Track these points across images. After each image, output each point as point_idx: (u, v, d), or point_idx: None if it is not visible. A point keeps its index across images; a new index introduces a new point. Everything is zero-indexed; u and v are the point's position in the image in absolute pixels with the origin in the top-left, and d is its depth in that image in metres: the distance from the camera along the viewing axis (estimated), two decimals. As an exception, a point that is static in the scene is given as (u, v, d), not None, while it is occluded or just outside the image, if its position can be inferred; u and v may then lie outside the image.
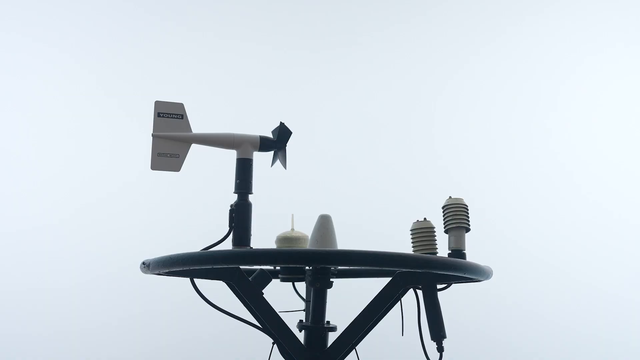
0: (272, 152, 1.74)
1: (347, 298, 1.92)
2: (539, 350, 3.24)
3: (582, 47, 3.56)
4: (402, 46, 3.56)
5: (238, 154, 1.66)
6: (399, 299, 1.62)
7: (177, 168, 1.64)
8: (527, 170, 3.43)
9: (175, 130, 1.64)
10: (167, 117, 1.65)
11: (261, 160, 1.75)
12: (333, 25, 3.58)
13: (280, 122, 1.72)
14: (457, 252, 1.64)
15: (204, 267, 1.49)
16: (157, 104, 1.65)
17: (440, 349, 1.56)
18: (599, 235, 3.36)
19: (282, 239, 1.78)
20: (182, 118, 1.66)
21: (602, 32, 3.56)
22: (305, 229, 1.78)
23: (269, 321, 1.55)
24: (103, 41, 3.39)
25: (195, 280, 1.61)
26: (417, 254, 1.62)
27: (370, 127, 3.46)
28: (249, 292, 1.55)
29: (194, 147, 1.65)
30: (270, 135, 1.73)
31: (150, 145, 1.62)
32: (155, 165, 1.62)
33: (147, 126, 1.65)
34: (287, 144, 1.73)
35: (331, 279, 1.66)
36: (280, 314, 1.55)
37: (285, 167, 1.74)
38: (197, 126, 1.67)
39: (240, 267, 1.55)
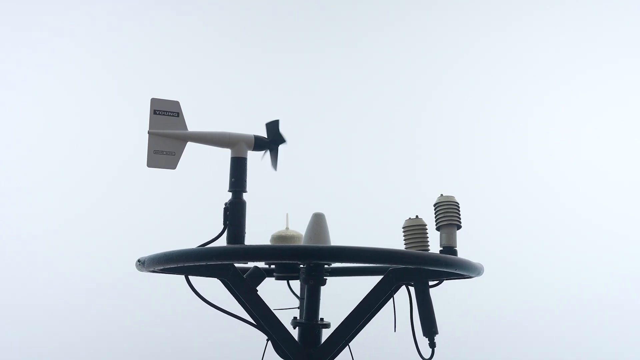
0: (268, 153, 1.76)
1: (341, 296, 1.93)
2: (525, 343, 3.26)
3: (573, 54, 3.59)
4: (396, 48, 3.59)
5: (233, 152, 1.67)
6: (391, 295, 1.63)
7: (173, 166, 1.65)
8: (518, 169, 3.45)
9: (171, 128, 1.65)
10: (163, 114, 1.66)
11: (256, 159, 1.77)
12: (331, 25, 3.60)
13: (265, 124, 1.74)
14: (449, 249, 1.65)
15: (198, 264, 1.51)
16: (153, 101, 1.66)
17: (432, 345, 1.57)
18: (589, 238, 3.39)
19: (276, 238, 1.80)
20: (177, 116, 1.67)
21: (590, 43, 3.59)
22: (300, 228, 1.80)
23: (263, 318, 1.56)
24: (98, 38, 3.41)
25: (191, 279, 1.63)
26: (409, 250, 1.64)
27: (363, 127, 3.48)
28: (244, 289, 1.57)
29: (190, 146, 1.66)
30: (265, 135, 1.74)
31: (146, 143, 1.63)
32: (151, 163, 1.63)
33: (143, 124, 1.66)
34: (280, 136, 1.73)
35: (325, 277, 1.68)
36: (274, 312, 1.57)
37: (275, 169, 1.75)
38: (193, 125, 1.69)
39: (235, 265, 1.57)
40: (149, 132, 1.64)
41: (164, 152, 1.64)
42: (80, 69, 3.37)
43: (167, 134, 1.65)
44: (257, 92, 3.46)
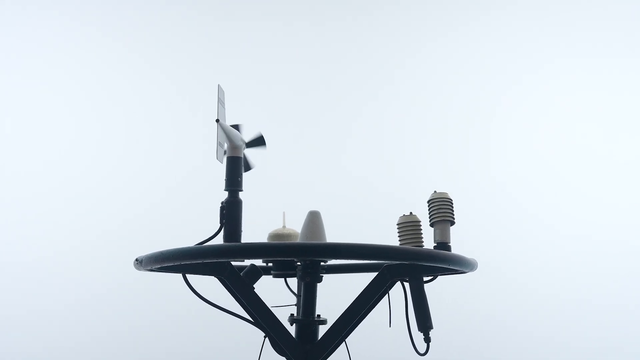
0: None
1: (337, 293, 1.95)
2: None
3: (534, 54, 3.59)
4: (391, 44, 3.60)
5: (230, 152, 1.65)
6: (386, 291, 1.65)
7: (222, 159, 1.58)
8: (513, 165, 3.47)
9: (222, 119, 1.58)
10: (221, 105, 1.57)
11: (253, 158, 1.79)
12: (330, 24, 3.61)
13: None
14: (443, 244, 1.67)
15: (195, 262, 1.52)
16: (220, 89, 1.55)
17: (427, 340, 1.59)
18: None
19: (273, 236, 1.81)
20: (223, 107, 1.60)
21: (543, 45, 3.59)
22: (297, 227, 1.81)
23: (260, 315, 1.58)
24: (96, 34, 3.42)
25: (189, 277, 1.64)
26: (404, 246, 1.66)
27: (358, 125, 3.50)
28: (241, 287, 1.58)
29: (184, 144, 1.65)
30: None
31: (213, 133, 1.52)
32: (219, 156, 1.53)
33: (134, 122, 1.65)
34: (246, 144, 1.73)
35: (321, 274, 1.70)
36: (272, 309, 1.59)
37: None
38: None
39: (232, 263, 1.59)
40: (218, 122, 1.52)
41: (220, 145, 1.55)
42: (79, 66, 3.37)
43: (223, 126, 1.56)
44: (256, 91, 3.47)
